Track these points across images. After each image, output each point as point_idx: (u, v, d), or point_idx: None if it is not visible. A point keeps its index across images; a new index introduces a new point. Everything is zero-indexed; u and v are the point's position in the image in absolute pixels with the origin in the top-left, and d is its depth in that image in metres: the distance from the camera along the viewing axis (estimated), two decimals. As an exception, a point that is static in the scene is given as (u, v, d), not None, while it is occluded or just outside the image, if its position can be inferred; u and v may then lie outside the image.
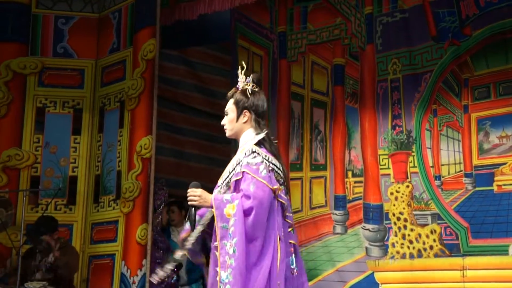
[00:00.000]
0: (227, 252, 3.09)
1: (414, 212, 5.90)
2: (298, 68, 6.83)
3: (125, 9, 6.70)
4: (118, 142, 6.42)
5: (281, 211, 3.27)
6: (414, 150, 6.01)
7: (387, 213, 6.03)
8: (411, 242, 5.84)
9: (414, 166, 5.99)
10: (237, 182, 3.24)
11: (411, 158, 6.01)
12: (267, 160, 3.25)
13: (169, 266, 3.41)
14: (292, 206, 6.31)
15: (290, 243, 3.32)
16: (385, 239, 6.01)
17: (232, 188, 3.27)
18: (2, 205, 5.95)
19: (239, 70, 3.43)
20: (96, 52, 6.84)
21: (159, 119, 6.42)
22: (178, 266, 6.02)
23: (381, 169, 6.18)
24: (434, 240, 5.73)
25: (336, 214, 6.39)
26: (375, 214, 6.13)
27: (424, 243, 5.78)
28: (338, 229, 6.35)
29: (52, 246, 5.62)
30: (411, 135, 6.04)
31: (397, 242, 5.90)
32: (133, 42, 6.48)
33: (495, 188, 5.62)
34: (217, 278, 3.11)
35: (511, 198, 5.50)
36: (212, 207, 3.19)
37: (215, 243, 3.16)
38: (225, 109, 3.44)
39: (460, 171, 5.85)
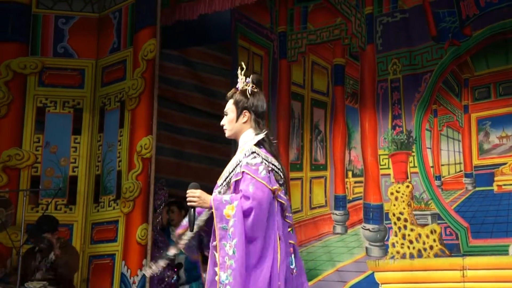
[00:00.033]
0: (227, 253, 3.08)
1: (414, 212, 5.90)
2: (298, 68, 6.83)
3: (126, 9, 6.71)
4: (119, 142, 6.43)
5: (280, 211, 3.27)
6: (414, 150, 6.01)
7: (387, 213, 6.03)
8: (411, 242, 5.84)
9: (414, 166, 5.99)
10: (237, 182, 3.25)
11: (411, 158, 6.01)
12: (266, 160, 3.25)
13: (162, 262, 3.47)
14: (292, 206, 6.36)
15: (290, 243, 3.32)
16: (385, 239, 6.01)
17: (232, 188, 3.27)
18: (2, 205, 5.96)
19: (239, 71, 3.43)
20: (97, 52, 6.85)
21: (159, 119, 6.43)
22: (178, 265, 6.04)
23: (381, 169, 6.18)
24: (434, 240, 5.74)
25: (336, 214, 6.39)
26: (375, 214, 6.13)
27: (424, 243, 5.78)
28: (338, 229, 6.35)
29: (53, 244, 5.63)
30: (411, 135, 6.04)
31: (397, 242, 5.90)
32: (134, 42, 6.49)
33: (495, 188, 5.62)
34: (216, 279, 3.11)
35: (511, 198, 5.50)
36: (211, 208, 3.19)
37: (214, 243, 3.16)
38: (225, 110, 3.44)
39: (460, 171, 5.85)
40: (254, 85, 3.41)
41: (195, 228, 3.27)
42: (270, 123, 6.62)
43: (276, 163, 3.31)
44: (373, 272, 5.98)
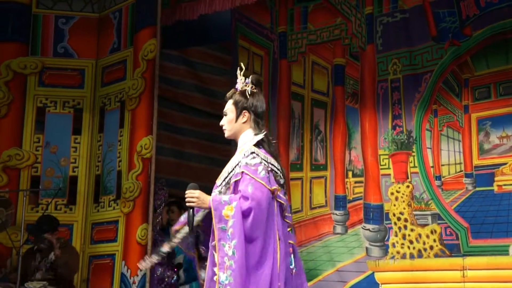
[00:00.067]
0: (226, 253, 3.08)
1: (415, 212, 5.90)
2: (299, 68, 6.83)
3: (126, 9, 6.70)
4: (119, 142, 6.43)
5: (280, 211, 3.27)
6: (414, 150, 6.02)
7: (387, 213, 6.04)
8: (411, 242, 5.84)
9: (415, 166, 5.99)
10: (236, 183, 3.24)
11: (411, 158, 6.01)
12: (266, 161, 3.25)
13: (155, 257, 3.50)
14: (293, 206, 6.37)
15: (289, 243, 3.32)
16: (386, 239, 6.01)
17: (231, 188, 3.27)
18: (2, 205, 5.96)
19: (238, 71, 3.43)
20: (97, 52, 6.84)
21: (159, 119, 6.42)
22: (178, 266, 6.04)
23: (381, 169, 6.19)
24: (434, 240, 5.74)
25: (336, 214, 6.39)
26: (375, 214, 6.13)
27: (424, 243, 5.78)
28: (338, 229, 6.35)
29: (53, 243, 5.63)
30: (411, 135, 6.04)
31: (397, 242, 5.90)
32: (134, 42, 6.48)
33: (495, 188, 5.62)
34: (215, 279, 3.11)
35: (511, 198, 5.50)
36: (210, 209, 3.19)
37: (213, 243, 3.16)
38: (224, 110, 3.44)
39: (461, 171, 5.85)
40: (253, 86, 3.42)
41: (187, 229, 3.30)
42: (270, 123, 6.63)
43: (276, 163, 3.31)
44: (373, 272, 5.98)
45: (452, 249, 5.67)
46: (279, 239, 3.19)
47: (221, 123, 3.45)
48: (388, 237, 5.98)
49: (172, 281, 6.08)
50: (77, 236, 6.47)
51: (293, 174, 6.55)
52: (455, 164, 5.89)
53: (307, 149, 6.67)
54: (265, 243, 3.13)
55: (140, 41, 6.39)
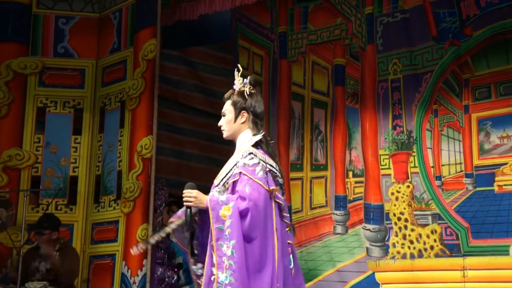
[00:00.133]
0: (224, 253, 3.09)
1: (415, 212, 5.90)
2: (299, 68, 6.82)
3: (126, 9, 6.70)
4: (119, 142, 6.42)
5: (278, 211, 3.27)
6: (414, 150, 6.01)
7: (387, 213, 6.03)
8: (411, 242, 5.84)
9: (415, 166, 5.98)
10: (234, 183, 3.25)
11: (411, 158, 6.01)
12: (264, 161, 3.26)
13: (142, 246, 3.61)
14: (293, 206, 6.37)
15: (288, 243, 3.32)
16: (386, 239, 6.01)
17: (230, 189, 3.28)
18: (2, 205, 5.95)
19: (236, 72, 3.44)
20: (97, 52, 6.84)
21: (159, 119, 6.42)
22: (178, 266, 6.04)
23: (381, 169, 6.18)
24: (435, 240, 5.73)
25: (336, 214, 6.39)
26: (375, 214, 6.13)
27: (424, 243, 5.78)
28: (339, 229, 6.35)
29: (49, 252, 5.61)
30: (411, 135, 6.04)
31: (397, 242, 5.90)
32: (134, 42, 6.48)
33: (495, 188, 5.61)
34: (212, 279, 3.11)
35: (512, 198, 5.51)
36: (207, 208, 3.19)
37: (211, 243, 3.17)
38: (222, 110, 3.45)
39: (461, 171, 5.84)
40: (251, 86, 3.42)
41: (173, 226, 3.34)
42: (270, 123, 6.63)
43: (274, 164, 3.31)
44: (374, 272, 5.98)
45: (452, 249, 5.66)
46: (277, 239, 3.19)
47: (220, 123, 3.46)
48: (389, 237, 5.98)
49: (173, 281, 6.08)
50: (78, 236, 6.47)
51: (293, 174, 6.55)
52: (456, 164, 5.89)
53: (307, 149, 6.66)
54: (263, 243, 3.14)
55: (140, 41, 6.39)
